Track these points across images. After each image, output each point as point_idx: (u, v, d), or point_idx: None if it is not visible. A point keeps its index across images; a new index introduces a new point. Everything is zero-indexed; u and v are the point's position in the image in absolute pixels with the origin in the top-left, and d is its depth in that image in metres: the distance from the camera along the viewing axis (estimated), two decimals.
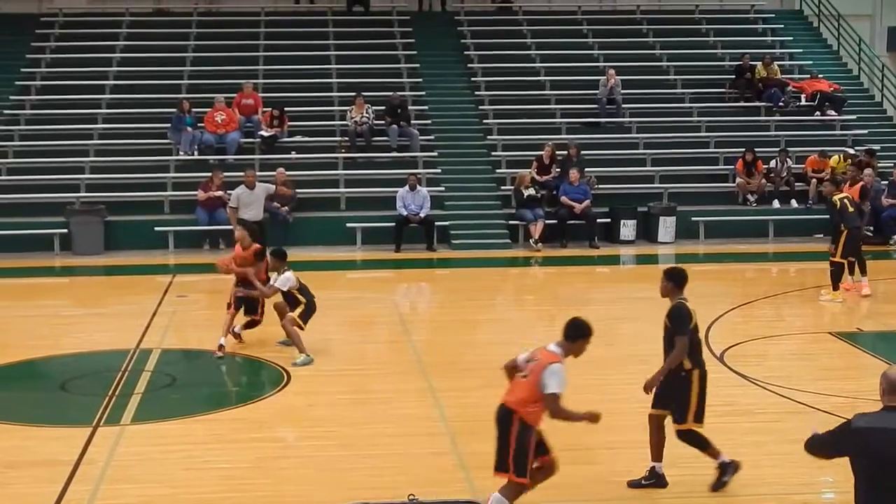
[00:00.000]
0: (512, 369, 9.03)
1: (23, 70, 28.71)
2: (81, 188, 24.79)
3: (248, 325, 15.48)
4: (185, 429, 11.94)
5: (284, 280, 14.53)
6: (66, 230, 23.60)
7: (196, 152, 25.81)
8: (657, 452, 9.96)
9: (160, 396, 13.28)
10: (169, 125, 26.04)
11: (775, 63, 29.51)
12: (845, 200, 18.13)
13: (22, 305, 19.11)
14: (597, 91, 28.10)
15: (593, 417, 8.92)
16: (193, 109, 26.09)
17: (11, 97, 27.79)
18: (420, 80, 29.06)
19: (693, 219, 25.14)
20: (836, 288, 18.19)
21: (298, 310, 14.55)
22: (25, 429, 11.96)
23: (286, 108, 26.71)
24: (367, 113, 26.28)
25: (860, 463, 6.50)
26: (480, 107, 28.33)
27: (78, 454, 10.84)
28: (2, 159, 25.70)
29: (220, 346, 14.80)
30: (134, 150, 25.94)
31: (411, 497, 6.41)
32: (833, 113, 28.61)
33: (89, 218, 23.66)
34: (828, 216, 25.16)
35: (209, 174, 24.23)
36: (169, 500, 9.77)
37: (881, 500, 6.42)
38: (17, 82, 28.31)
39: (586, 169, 25.32)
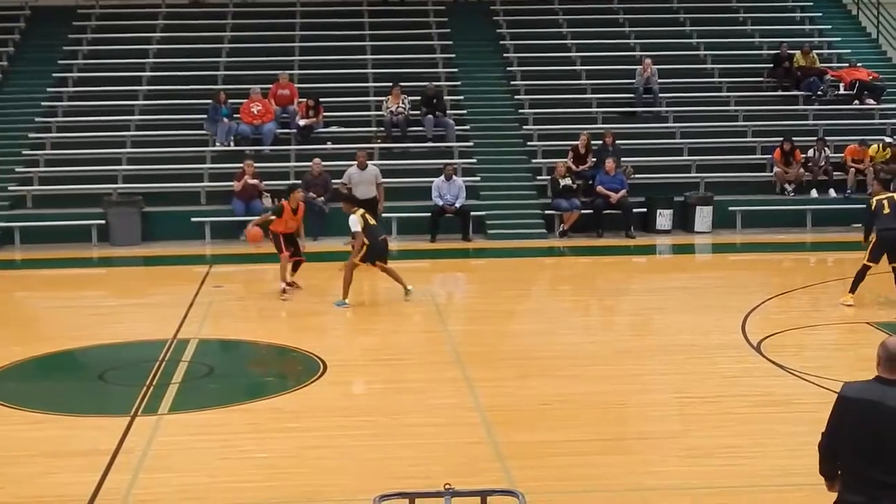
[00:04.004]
0: None
1: (60, 62, 28.89)
2: (119, 179, 24.94)
3: (296, 268, 18.15)
4: (222, 418, 11.99)
5: (353, 222, 16.86)
6: (103, 221, 23.76)
7: (232, 143, 25.92)
8: None
9: (197, 386, 13.34)
10: (205, 116, 26.14)
11: (814, 52, 29.29)
12: (884, 201, 16.81)
13: (60, 296, 19.25)
14: (633, 80, 27.99)
15: None
16: (229, 100, 26.19)
17: (49, 89, 27.97)
18: (456, 70, 29.05)
19: (730, 208, 25.01)
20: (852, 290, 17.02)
21: (361, 253, 16.88)
22: (65, 418, 12.05)
23: (322, 99, 26.76)
24: (403, 103, 26.30)
25: (845, 435, 6.33)
26: (516, 96, 28.29)
27: (116, 444, 10.89)
28: (40, 151, 25.89)
29: (284, 289, 17.55)
30: (170, 142, 26.07)
31: (447, 486, 6.41)
32: (872, 102, 28.38)
33: (126, 209, 23.81)
34: (862, 206, 25.13)
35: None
36: (207, 489, 9.82)
37: (859, 473, 6.27)
38: (55, 74, 28.49)
39: (622, 158, 25.25)
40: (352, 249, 17.45)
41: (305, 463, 10.46)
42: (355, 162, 23.57)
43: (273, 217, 18.14)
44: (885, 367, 6.39)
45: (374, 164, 24.19)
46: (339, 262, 17.91)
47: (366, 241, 16.91)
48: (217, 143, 25.89)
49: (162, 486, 9.91)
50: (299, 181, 20.67)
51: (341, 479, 10.03)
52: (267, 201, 24.24)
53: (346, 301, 16.88)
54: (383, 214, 23.15)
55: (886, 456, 6.23)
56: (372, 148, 25.94)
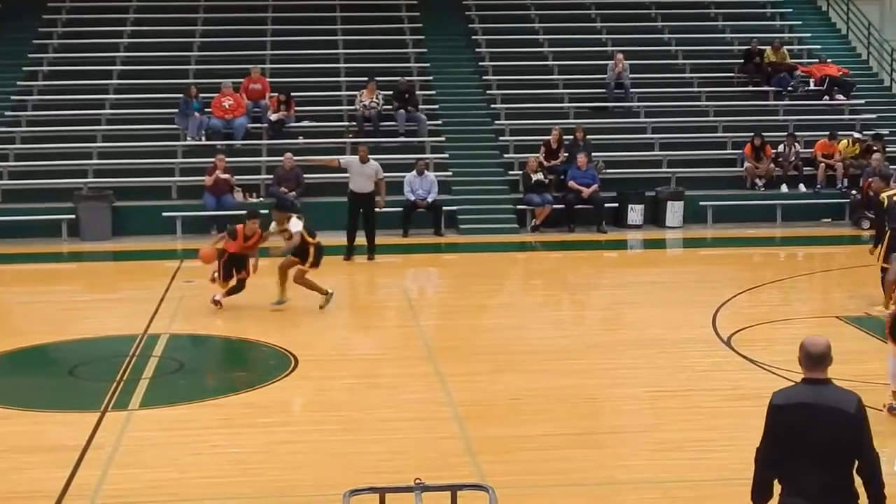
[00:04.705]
0: None
1: (30, 56, 28.69)
2: (89, 174, 24.82)
3: (239, 288, 16.81)
4: (192, 414, 11.96)
5: (295, 224, 16.30)
6: (73, 216, 23.63)
7: (203, 137, 25.82)
8: None
9: (168, 381, 13.30)
10: (176, 110, 26.03)
11: (784, 47, 29.42)
12: (895, 198, 16.43)
13: (30, 291, 19.15)
14: (605, 76, 28.04)
15: None
16: (201, 94, 26.08)
17: (19, 83, 27.79)
18: (428, 64, 29.02)
19: (701, 203, 25.11)
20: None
21: (308, 260, 16.34)
22: (34, 414, 11.99)
23: (293, 93, 26.70)
24: (377, 98, 26.27)
25: (782, 440, 6.33)
26: (488, 91, 28.29)
27: (86, 439, 10.86)
28: (10, 145, 25.71)
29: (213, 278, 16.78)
30: (141, 136, 25.95)
31: (418, 481, 6.41)
32: (842, 97, 28.53)
33: (97, 203, 23.68)
34: (832, 200, 25.37)
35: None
36: (177, 484, 9.80)
37: (801, 476, 6.29)
38: (25, 68, 28.29)
39: (594, 154, 25.31)
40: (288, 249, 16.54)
41: (277, 458, 10.45)
42: (356, 155, 22.46)
43: (226, 238, 16.87)
44: (807, 366, 6.44)
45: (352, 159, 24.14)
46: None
47: (319, 242, 16.65)
48: (188, 138, 25.79)
49: (132, 481, 9.88)
50: (258, 211, 17.95)
51: (312, 473, 10.03)
52: (238, 196, 24.23)
53: (329, 290, 16.53)
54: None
55: (827, 457, 6.25)
56: (344, 142, 25.91)
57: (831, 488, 6.25)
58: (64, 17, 30.22)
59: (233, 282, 16.72)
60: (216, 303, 16.49)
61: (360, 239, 21.33)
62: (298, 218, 16.69)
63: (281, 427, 11.51)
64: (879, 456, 6.37)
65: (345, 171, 21.92)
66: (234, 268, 16.69)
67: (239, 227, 16.77)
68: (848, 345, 14.33)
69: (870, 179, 21.35)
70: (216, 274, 16.76)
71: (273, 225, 16.76)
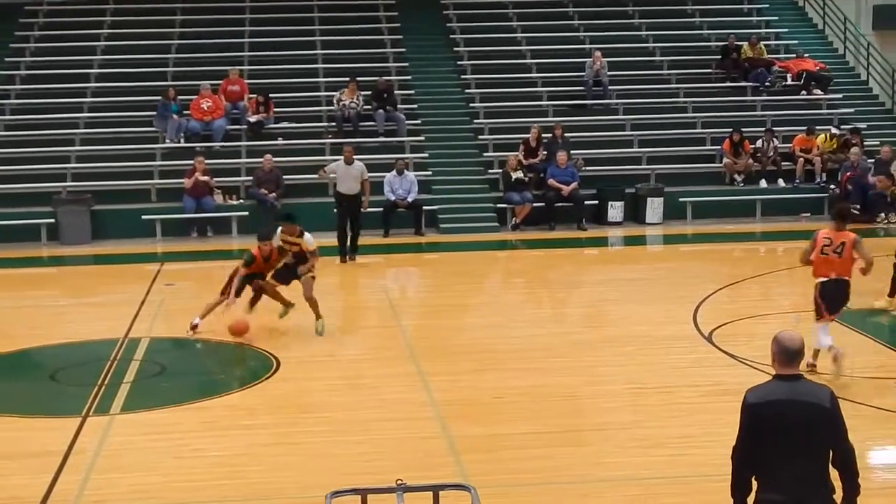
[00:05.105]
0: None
1: (7, 60, 28.57)
2: (68, 177, 24.73)
3: (255, 300, 15.70)
4: (174, 417, 11.94)
5: (310, 239, 15.28)
6: (52, 220, 23.54)
7: (182, 140, 25.76)
8: None
9: (150, 385, 13.27)
10: (155, 113, 25.97)
11: (761, 43, 29.52)
12: None
13: (9, 296, 19.06)
14: (583, 73, 28.08)
15: None
16: (179, 97, 26.02)
17: None
18: (406, 64, 29.01)
19: (681, 199, 25.18)
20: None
21: (313, 268, 15.29)
22: (15, 420, 11.96)
23: (272, 95, 26.66)
24: (357, 98, 26.25)
25: (758, 437, 6.35)
26: (467, 90, 28.30)
27: (68, 444, 10.83)
28: None
29: (195, 326, 15.24)
30: (120, 139, 25.86)
31: (399, 482, 6.42)
32: (819, 92, 28.63)
33: (76, 207, 23.60)
34: (811, 195, 25.45)
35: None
36: (160, 488, 9.78)
37: (777, 472, 6.32)
38: (1, 72, 28.18)
39: (573, 151, 25.35)
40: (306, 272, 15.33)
41: (259, 460, 10.44)
42: (341, 157, 22.19)
43: (242, 268, 15.32)
44: (780, 361, 6.45)
45: (330, 160, 24.13)
46: None
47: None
48: (167, 140, 25.72)
49: (114, 486, 9.86)
50: (270, 230, 16.24)
51: (295, 475, 10.03)
52: (218, 198, 24.18)
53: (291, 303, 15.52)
54: (335, 210, 22.98)
55: (803, 451, 6.29)
56: (323, 143, 25.89)
57: (808, 482, 6.29)
58: (41, 20, 30.10)
59: (249, 294, 15.55)
60: (199, 323, 15.21)
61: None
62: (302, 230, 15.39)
63: (263, 429, 11.51)
64: (854, 448, 6.41)
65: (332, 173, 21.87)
66: (249, 282, 15.44)
67: (253, 251, 15.35)
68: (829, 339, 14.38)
69: (874, 179, 21.26)
70: (227, 296, 15.21)
71: (277, 237, 15.39)
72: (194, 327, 15.18)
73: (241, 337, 14.81)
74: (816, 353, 12.62)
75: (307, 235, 15.32)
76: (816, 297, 12.83)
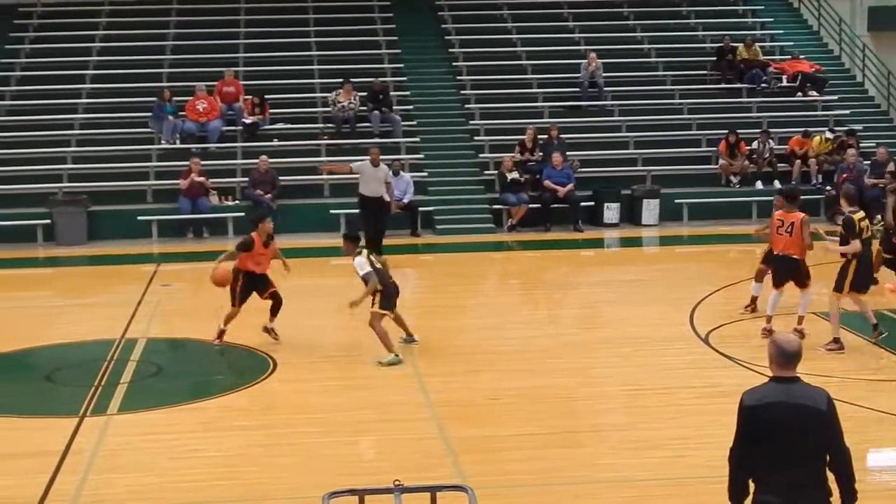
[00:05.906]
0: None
1: (1, 60, 28.55)
2: (64, 178, 24.71)
3: (275, 310, 14.88)
4: (171, 417, 11.95)
5: (360, 264, 13.74)
6: (49, 221, 23.53)
7: (178, 141, 25.75)
8: None
9: (146, 386, 13.28)
10: (150, 114, 25.96)
11: (756, 44, 29.56)
12: None
13: (6, 297, 19.04)
14: (578, 74, 28.10)
15: None
16: (174, 98, 26.01)
17: None
18: (402, 65, 29.01)
19: (676, 201, 25.20)
20: None
21: (377, 301, 13.73)
22: (12, 420, 11.96)
23: (267, 96, 26.66)
24: (353, 99, 26.26)
25: (755, 440, 6.35)
26: (462, 91, 28.31)
27: (65, 445, 10.84)
28: None
29: (221, 334, 14.78)
30: (115, 140, 25.86)
31: (397, 483, 6.43)
32: (814, 93, 28.67)
33: (72, 208, 23.59)
34: (807, 197, 25.35)
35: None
36: (156, 488, 9.78)
37: (775, 474, 6.31)
38: None
39: (569, 153, 25.36)
40: (364, 298, 13.91)
41: (255, 461, 10.45)
42: (368, 157, 21.92)
43: (239, 252, 14.62)
44: (777, 364, 6.44)
45: (328, 160, 24.14)
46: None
47: (378, 286, 13.76)
48: (162, 141, 25.71)
49: (111, 486, 9.87)
50: (266, 210, 16.27)
51: (291, 476, 10.03)
52: (214, 199, 24.18)
53: (397, 356, 13.83)
54: (331, 211, 23.04)
55: (800, 454, 6.29)
56: (318, 144, 25.89)
57: (805, 485, 6.29)
58: (36, 21, 30.07)
59: (268, 300, 14.90)
60: (224, 331, 14.73)
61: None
62: (367, 256, 13.95)
63: (260, 430, 11.51)
64: (850, 451, 6.42)
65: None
66: (255, 290, 14.82)
67: (253, 234, 14.65)
68: (826, 340, 14.42)
69: (890, 186, 21.14)
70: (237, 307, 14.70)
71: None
72: (221, 334, 14.75)
73: (221, 287, 14.63)
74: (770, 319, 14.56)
75: (357, 259, 13.84)
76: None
